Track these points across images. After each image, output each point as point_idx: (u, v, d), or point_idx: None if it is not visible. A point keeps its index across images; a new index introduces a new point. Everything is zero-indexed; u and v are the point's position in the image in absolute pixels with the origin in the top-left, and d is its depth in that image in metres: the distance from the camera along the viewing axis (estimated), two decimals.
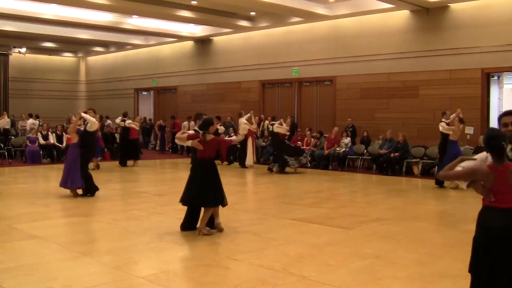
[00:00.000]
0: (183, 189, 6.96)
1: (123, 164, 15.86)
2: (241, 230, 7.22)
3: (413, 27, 15.73)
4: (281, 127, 14.54)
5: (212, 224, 6.98)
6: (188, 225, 6.99)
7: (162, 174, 14.99)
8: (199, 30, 21.13)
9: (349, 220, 7.91)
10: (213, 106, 21.40)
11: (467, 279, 5.13)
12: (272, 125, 14.79)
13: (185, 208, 7.02)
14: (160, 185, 12.46)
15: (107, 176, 13.51)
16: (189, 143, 6.87)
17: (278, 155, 14.60)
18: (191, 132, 7.11)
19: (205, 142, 6.72)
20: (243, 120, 16.03)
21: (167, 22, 19.89)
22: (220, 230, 6.95)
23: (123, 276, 5.09)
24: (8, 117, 22.16)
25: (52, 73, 28.49)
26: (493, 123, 14.86)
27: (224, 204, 6.94)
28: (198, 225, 6.87)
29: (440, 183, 11.70)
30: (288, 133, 15.12)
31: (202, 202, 6.77)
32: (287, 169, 14.53)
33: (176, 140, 7.38)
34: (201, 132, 6.82)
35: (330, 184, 12.97)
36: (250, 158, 15.94)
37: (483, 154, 3.69)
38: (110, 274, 5.19)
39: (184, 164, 17.64)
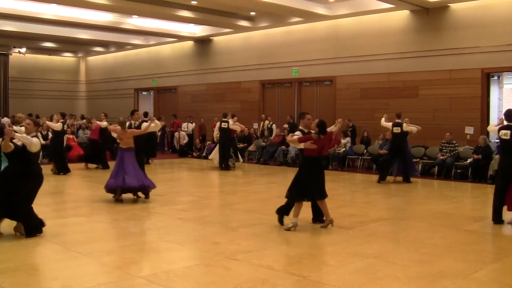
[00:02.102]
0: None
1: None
2: (241, 230, 7.22)
3: (413, 27, 15.72)
4: (237, 125, 15.39)
5: (318, 218, 7.47)
6: (318, 218, 7.48)
7: (162, 174, 14.97)
8: (199, 30, 21.13)
9: (349, 220, 7.91)
10: (213, 106, 21.41)
11: (467, 279, 5.15)
12: (225, 122, 15.36)
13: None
14: (160, 185, 12.41)
15: (106, 176, 13.48)
16: (301, 145, 7.17)
17: (226, 151, 15.25)
18: (298, 133, 7.36)
19: (318, 141, 7.12)
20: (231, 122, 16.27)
21: (167, 22, 19.88)
22: (325, 226, 7.29)
23: (123, 276, 5.09)
24: (8, 117, 22.26)
25: (52, 73, 28.48)
26: (493, 123, 14.87)
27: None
28: (327, 219, 7.23)
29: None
30: (238, 131, 16.21)
31: (315, 196, 7.20)
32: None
33: (290, 143, 7.80)
34: (313, 132, 7.22)
35: (330, 184, 12.84)
36: (215, 156, 16.08)
37: None
38: (110, 274, 5.19)
39: (184, 164, 17.65)
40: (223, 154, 15.35)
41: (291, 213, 7.26)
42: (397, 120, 12.65)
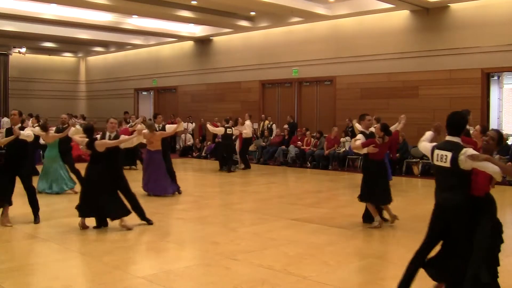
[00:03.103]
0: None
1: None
2: (241, 230, 7.23)
3: (413, 27, 15.72)
4: (237, 130, 15.36)
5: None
6: (368, 215, 7.56)
7: None
8: (199, 30, 21.13)
9: (349, 220, 7.91)
10: (213, 106, 21.41)
11: None
12: (230, 128, 15.21)
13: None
14: None
15: None
16: (364, 150, 7.25)
17: (228, 155, 15.23)
18: (360, 136, 7.40)
19: (382, 144, 7.25)
20: (247, 123, 16.31)
21: (167, 22, 19.87)
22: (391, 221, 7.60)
23: (123, 276, 5.09)
24: (8, 117, 22.26)
25: (52, 73, 28.48)
26: (493, 123, 14.87)
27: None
28: (393, 216, 7.45)
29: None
30: (237, 135, 15.87)
31: (380, 201, 7.42)
32: (232, 168, 15.23)
33: (354, 150, 7.93)
34: (377, 137, 7.32)
35: (330, 184, 12.97)
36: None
37: None
38: (110, 274, 5.19)
39: (184, 164, 17.65)
40: (224, 159, 15.32)
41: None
42: None
